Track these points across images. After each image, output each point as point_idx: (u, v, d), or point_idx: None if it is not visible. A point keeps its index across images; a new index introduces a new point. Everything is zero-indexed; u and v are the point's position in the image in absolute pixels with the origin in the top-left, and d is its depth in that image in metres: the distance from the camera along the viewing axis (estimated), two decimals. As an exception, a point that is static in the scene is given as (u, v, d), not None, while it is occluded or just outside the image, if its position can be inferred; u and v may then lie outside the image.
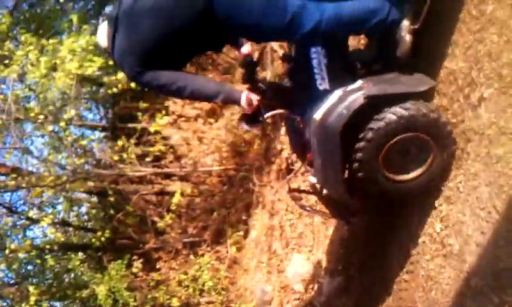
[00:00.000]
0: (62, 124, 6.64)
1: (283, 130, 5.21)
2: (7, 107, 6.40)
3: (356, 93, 2.76)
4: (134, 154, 6.51)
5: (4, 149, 7.14)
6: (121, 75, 6.30)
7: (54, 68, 6.38)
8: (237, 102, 2.97)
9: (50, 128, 6.81)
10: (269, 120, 3.63)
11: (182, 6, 2.74)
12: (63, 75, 6.18)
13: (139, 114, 6.64)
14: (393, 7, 2.80)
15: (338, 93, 2.87)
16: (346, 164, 2.89)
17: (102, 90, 7.58)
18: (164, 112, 6.55)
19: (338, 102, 2.80)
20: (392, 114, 2.70)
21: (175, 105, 6.52)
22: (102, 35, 3.01)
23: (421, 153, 2.83)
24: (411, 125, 2.72)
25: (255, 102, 2.96)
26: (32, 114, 6.60)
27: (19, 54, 6.42)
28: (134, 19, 2.82)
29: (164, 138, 6.71)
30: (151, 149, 6.63)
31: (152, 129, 6.54)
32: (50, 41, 6.32)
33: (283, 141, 5.22)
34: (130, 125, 7.08)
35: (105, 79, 6.71)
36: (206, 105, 6.24)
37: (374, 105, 2.73)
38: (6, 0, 8.01)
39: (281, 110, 3.10)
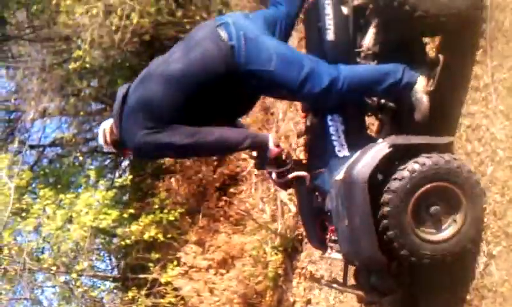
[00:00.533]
0: (74, 275, 6.65)
1: (295, 281, 5.17)
2: (21, 259, 6.46)
3: (379, 145, 2.71)
4: (144, 305, 6.43)
5: (14, 300, 7.08)
6: (134, 227, 6.46)
7: (69, 221, 6.53)
8: (264, 143, 2.78)
9: (62, 279, 6.81)
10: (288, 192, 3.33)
11: (205, 71, 2.68)
12: (78, 227, 6.31)
13: (151, 264, 6.66)
14: (407, 69, 2.79)
15: (358, 152, 2.79)
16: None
17: (115, 240, 7.66)
18: (175, 262, 6.57)
19: (361, 155, 2.71)
20: (415, 163, 2.59)
21: (186, 256, 6.54)
22: (103, 132, 2.94)
23: (451, 208, 2.65)
24: (436, 174, 2.59)
25: (281, 146, 2.85)
26: (45, 265, 6.64)
27: (36, 207, 6.62)
28: (145, 84, 2.76)
29: (175, 289, 6.65)
30: (161, 300, 6.55)
31: (162, 280, 6.51)
32: (68, 195, 6.54)
33: (295, 294, 5.16)
34: (141, 276, 7.06)
35: (119, 231, 6.83)
36: (218, 256, 6.25)
37: (398, 158, 2.66)
38: (28, 157, 8.44)
39: (305, 173, 2.96)
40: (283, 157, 2.88)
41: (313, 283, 3.74)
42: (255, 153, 2.98)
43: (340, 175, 2.77)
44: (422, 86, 2.77)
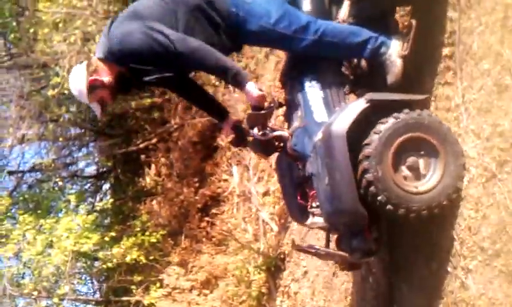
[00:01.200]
0: (55, 300, 6.63)
1: (278, 300, 5.23)
2: (1, 285, 6.42)
3: (356, 101, 2.78)
4: (127, 329, 6.43)
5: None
6: (116, 250, 6.47)
7: (50, 245, 6.51)
8: (245, 83, 2.80)
9: (44, 303, 6.78)
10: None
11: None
12: (59, 251, 6.30)
13: (134, 287, 6.65)
14: (382, 35, 2.90)
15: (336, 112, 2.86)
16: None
17: (96, 264, 7.64)
18: (158, 284, 6.58)
19: (339, 112, 2.78)
20: (391, 118, 2.67)
21: (169, 277, 6.55)
22: (77, 82, 2.88)
23: (430, 158, 2.72)
24: (410, 125, 2.67)
25: (264, 94, 2.85)
26: (26, 290, 6.60)
27: (16, 233, 6.59)
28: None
29: (158, 311, 6.64)
30: (145, 323, 6.54)
31: (146, 302, 6.50)
32: (48, 220, 6.53)
33: (280, 312, 5.22)
34: (124, 299, 7.04)
35: (101, 254, 6.82)
36: (201, 276, 6.28)
37: (375, 114, 2.71)
38: (6, 182, 8.39)
39: (286, 133, 3.00)
40: (266, 101, 2.89)
41: (297, 251, 3.78)
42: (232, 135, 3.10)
43: (319, 134, 2.82)
44: (396, 50, 2.85)
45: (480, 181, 2.67)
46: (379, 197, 2.63)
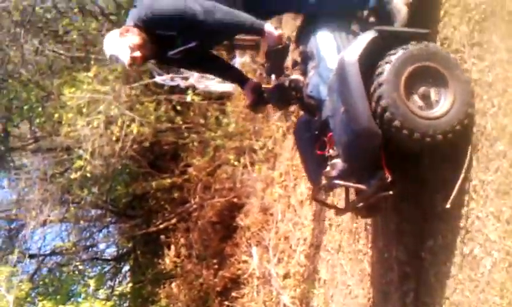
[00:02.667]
0: None
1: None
2: None
3: (366, 33, 2.86)
4: None
5: None
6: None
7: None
8: (262, 26, 2.97)
9: None
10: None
11: None
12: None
13: None
14: None
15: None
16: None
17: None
18: None
19: (349, 44, 2.89)
20: (403, 49, 2.74)
21: None
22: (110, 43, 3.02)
23: (440, 86, 2.76)
24: (418, 55, 2.74)
25: (282, 33, 2.99)
26: None
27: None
28: None
29: None
30: None
31: None
32: (67, 306, 6.46)
33: None
34: None
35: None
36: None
37: (384, 47, 2.78)
38: (27, 266, 8.39)
39: (301, 77, 3.14)
40: (284, 39, 3.03)
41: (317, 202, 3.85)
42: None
43: (332, 65, 2.94)
44: None
45: (503, 266, 2.57)
46: (394, 122, 2.66)
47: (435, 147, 2.76)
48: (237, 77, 3.53)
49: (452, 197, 2.82)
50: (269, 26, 2.99)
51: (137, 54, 2.97)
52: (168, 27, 2.96)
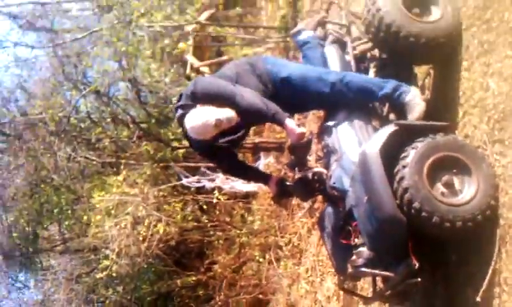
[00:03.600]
0: None
1: None
2: None
3: (385, 127, 2.97)
4: None
5: None
6: None
7: None
8: (283, 120, 3.14)
9: None
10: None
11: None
12: None
13: None
14: (401, 84, 3.19)
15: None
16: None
17: None
18: None
19: (370, 137, 2.98)
20: (431, 138, 2.85)
21: None
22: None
23: (464, 174, 2.84)
24: (438, 146, 2.84)
25: (303, 131, 3.13)
26: None
27: None
28: None
29: None
30: None
31: None
32: None
33: None
34: None
35: None
36: None
37: (403, 140, 2.87)
38: None
39: (324, 170, 3.26)
40: (305, 137, 3.16)
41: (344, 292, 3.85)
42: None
43: (354, 157, 3.03)
44: (418, 95, 3.18)
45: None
46: (414, 204, 2.72)
47: (454, 234, 2.80)
48: (262, 177, 3.77)
49: (482, 289, 2.89)
50: (290, 122, 3.18)
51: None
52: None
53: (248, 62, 3.47)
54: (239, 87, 3.24)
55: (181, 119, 3.27)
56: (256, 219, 6.18)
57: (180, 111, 3.28)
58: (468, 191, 2.86)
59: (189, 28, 6.85)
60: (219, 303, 7.06)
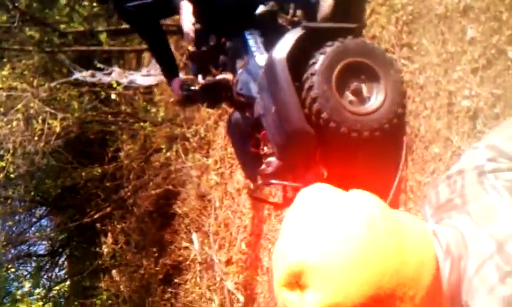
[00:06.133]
0: None
1: None
2: None
3: (292, 30, 2.85)
4: None
5: None
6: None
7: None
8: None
9: None
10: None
11: None
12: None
13: None
14: None
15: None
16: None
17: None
18: None
19: (278, 42, 2.82)
20: (327, 47, 2.73)
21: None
22: None
23: (372, 82, 2.78)
24: (347, 51, 2.73)
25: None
26: None
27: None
28: None
29: None
30: None
31: None
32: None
33: None
34: None
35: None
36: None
37: (312, 44, 2.76)
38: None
39: (230, 76, 3.14)
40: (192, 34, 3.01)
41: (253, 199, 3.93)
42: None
43: (262, 68, 2.88)
44: None
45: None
46: (323, 114, 2.65)
47: (362, 143, 2.73)
48: (170, 67, 3.44)
49: (390, 196, 2.87)
50: (186, 5, 2.99)
51: None
52: None
53: None
54: None
55: None
56: (160, 110, 5.86)
57: None
58: (376, 99, 2.75)
59: None
60: (129, 194, 6.91)
